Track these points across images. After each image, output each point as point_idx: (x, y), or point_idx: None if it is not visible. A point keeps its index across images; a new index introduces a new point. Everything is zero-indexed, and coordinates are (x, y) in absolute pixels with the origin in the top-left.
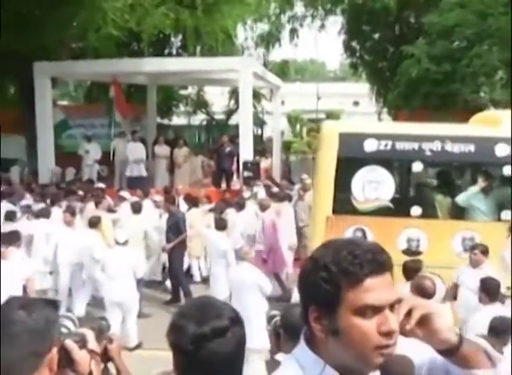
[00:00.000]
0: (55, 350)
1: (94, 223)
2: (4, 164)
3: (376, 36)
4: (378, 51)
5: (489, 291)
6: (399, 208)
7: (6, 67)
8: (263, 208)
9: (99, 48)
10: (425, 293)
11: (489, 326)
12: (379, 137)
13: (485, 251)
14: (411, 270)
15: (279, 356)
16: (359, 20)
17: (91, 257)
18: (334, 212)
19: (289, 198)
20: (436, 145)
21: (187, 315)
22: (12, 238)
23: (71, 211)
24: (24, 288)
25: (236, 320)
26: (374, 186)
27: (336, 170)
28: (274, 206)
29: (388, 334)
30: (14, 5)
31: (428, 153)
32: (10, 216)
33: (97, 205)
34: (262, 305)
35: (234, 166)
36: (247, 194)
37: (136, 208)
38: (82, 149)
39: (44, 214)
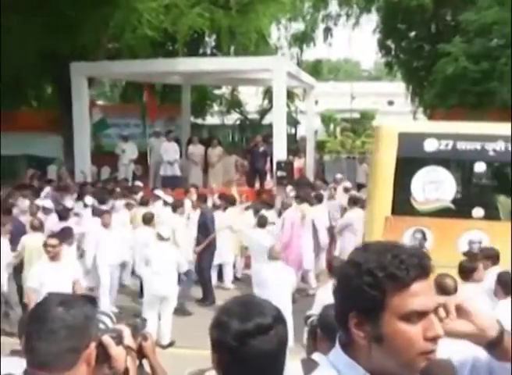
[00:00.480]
0: (92, 346)
1: (148, 219)
2: (41, 163)
3: (412, 34)
4: (413, 49)
5: (505, 284)
6: (460, 209)
7: (44, 68)
8: (285, 206)
9: (135, 48)
10: (447, 291)
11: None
12: (440, 136)
13: None
14: (467, 270)
15: (315, 356)
16: (394, 18)
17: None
18: (393, 212)
19: (319, 199)
20: (500, 145)
21: (231, 311)
22: (66, 235)
23: (109, 212)
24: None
25: (279, 318)
26: (434, 186)
27: (395, 170)
28: (298, 206)
29: (433, 339)
30: (52, 6)
31: (491, 153)
32: (64, 214)
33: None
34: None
35: (267, 166)
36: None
37: (177, 208)
38: (119, 148)
39: (96, 213)
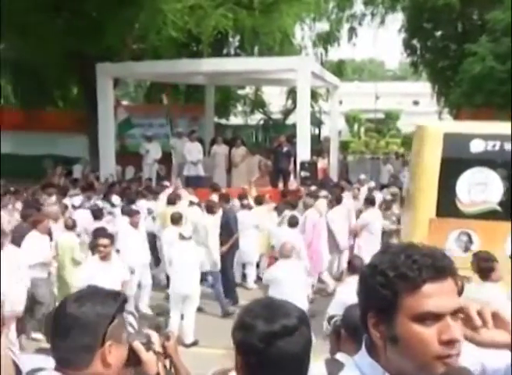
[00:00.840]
0: (108, 344)
1: (176, 219)
2: (67, 162)
3: (438, 33)
4: (439, 49)
5: None
6: (507, 211)
7: (70, 68)
8: (306, 206)
9: (159, 49)
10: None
11: None
12: (486, 137)
13: None
14: (486, 270)
15: (339, 356)
16: (420, 18)
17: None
18: (437, 214)
19: (338, 200)
20: None
21: (256, 313)
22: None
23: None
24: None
25: (304, 320)
26: (480, 188)
27: (439, 172)
28: (319, 205)
29: (449, 343)
30: (77, 7)
31: None
32: (97, 214)
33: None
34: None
35: (291, 166)
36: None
37: (210, 208)
38: (143, 148)
39: (127, 212)
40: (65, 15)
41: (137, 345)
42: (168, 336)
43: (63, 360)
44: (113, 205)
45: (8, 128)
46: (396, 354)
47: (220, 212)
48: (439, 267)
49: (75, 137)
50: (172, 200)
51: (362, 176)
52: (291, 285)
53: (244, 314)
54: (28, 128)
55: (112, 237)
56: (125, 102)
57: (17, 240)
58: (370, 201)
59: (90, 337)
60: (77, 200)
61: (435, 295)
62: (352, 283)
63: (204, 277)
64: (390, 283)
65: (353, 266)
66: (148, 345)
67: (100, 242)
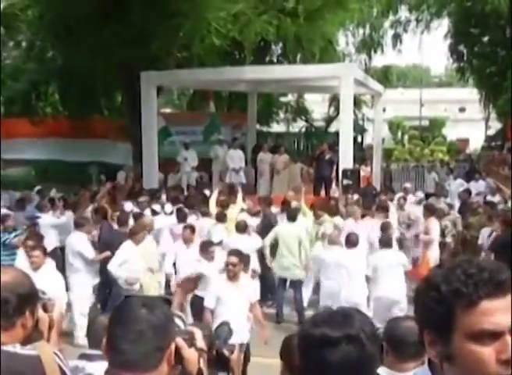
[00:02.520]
0: (173, 345)
1: (242, 227)
2: (111, 169)
3: (485, 39)
4: (487, 54)
5: None
6: None
7: (115, 77)
8: (348, 215)
9: (203, 56)
10: None
11: None
12: None
13: None
14: None
15: (381, 370)
16: (467, 23)
17: None
18: None
19: (384, 209)
20: None
21: (319, 321)
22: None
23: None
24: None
25: (369, 332)
26: None
27: None
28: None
29: (508, 363)
30: (123, 18)
31: None
32: (182, 216)
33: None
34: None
35: (333, 174)
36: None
37: (292, 216)
38: (180, 156)
39: (181, 218)
40: (112, 25)
41: (180, 342)
42: (232, 348)
43: (130, 363)
44: (155, 213)
45: (55, 135)
46: (452, 373)
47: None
48: (497, 283)
49: (119, 144)
50: (225, 204)
51: (408, 185)
52: (336, 269)
53: (309, 321)
54: (74, 135)
55: (242, 256)
56: (167, 110)
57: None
58: (431, 211)
59: (162, 339)
60: (157, 205)
61: (494, 313)
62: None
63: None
64: (444, 300)
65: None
66: (191, 342)
67: (229, 261)
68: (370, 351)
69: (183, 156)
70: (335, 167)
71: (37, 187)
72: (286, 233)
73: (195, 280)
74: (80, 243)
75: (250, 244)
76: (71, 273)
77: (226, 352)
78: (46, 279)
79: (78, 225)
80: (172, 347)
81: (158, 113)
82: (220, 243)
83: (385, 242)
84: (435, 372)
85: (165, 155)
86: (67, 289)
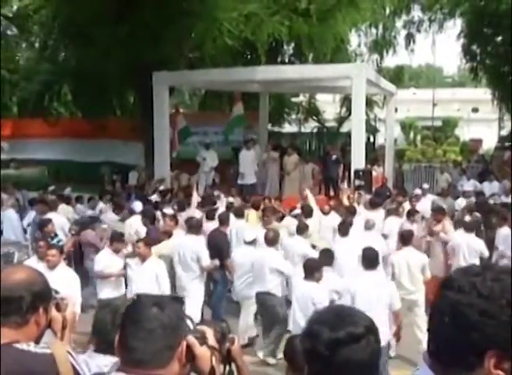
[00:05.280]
0: (184, 344)
1: (302, 229)
2: (123, 169)
3: (498, 39)
4: (500, 54)
5: None
6: None
7: (128, 77)
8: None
9: (215, 57)
10: None
11: None
12: None
13: None
14: None
15: None
16: (480, 23)
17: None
18: None
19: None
20: None
21: (323, 320)
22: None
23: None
24: None
25: (372, 329)
26: None
27: None
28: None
29: None
30: (136, 18)
31: None
32: (212, 214)
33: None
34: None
35: (340, 174)
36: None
37: (308, 213)
38: (200, 156)
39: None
40: (124, 26)
41: (191, 340)
42: (233, 340)
43: (141, 361)
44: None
45: (68, 135)
46: None
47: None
48: None
49: (131, 144)
50: (256, 205)
51: (425, 186)
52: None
53: (312, 321)
54: (87, 136)
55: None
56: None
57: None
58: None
59: (173, 338)
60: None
61: None
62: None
63: None
64: None
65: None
66: (202, 340)
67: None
68: (377, 347)
69: (202, 156)
70: (341, 167)
71: (51, 187)
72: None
73: None
74: (201, 248)
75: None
76: (188, 278)
77: (227, 344)
78: (61, 278)
79: (193, 227)
80: (184, 345)
81: (178, 113)
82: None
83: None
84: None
85: (186, 156)
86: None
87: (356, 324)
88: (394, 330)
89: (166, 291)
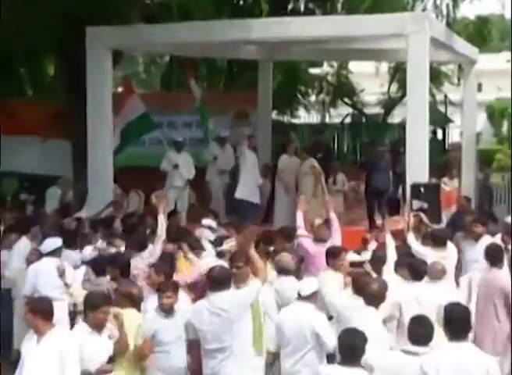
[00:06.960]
0: None
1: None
2: (38, 183)
3: None
4: None
5: None
6: None
7: (44, 39)
8: None
9: (186, 4)
10: None
11: None
12: None
13: None
14: None
15: None
16: None
17: None
18: None
19: None
20: None
21: None
22: None
23: None
24: None
25: None
26: None
27: None
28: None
29: None
30: None
31: None
32: None
33: None
34: None
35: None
36: None
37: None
38: (167, 162)
39: None
40: None
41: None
42: None
43: None
44: None
45: None
46: None
47: None
48: None
49: (50, 143)
50: None
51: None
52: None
53: None
54: None
55: None
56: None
57: None
58: None
59: None
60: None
61: None
62: None
63: None
64: None
65: None
66: None
67: None
68: None
69: (171, 162)
70: (391, 179)
71: None
72: None
73: None
74: None
75: None
76: None
77: None
78: None
79: None
80: None
81: (131, 91)
82: None
83: None
84: None
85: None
86: None
87: None
88: None
89: None
